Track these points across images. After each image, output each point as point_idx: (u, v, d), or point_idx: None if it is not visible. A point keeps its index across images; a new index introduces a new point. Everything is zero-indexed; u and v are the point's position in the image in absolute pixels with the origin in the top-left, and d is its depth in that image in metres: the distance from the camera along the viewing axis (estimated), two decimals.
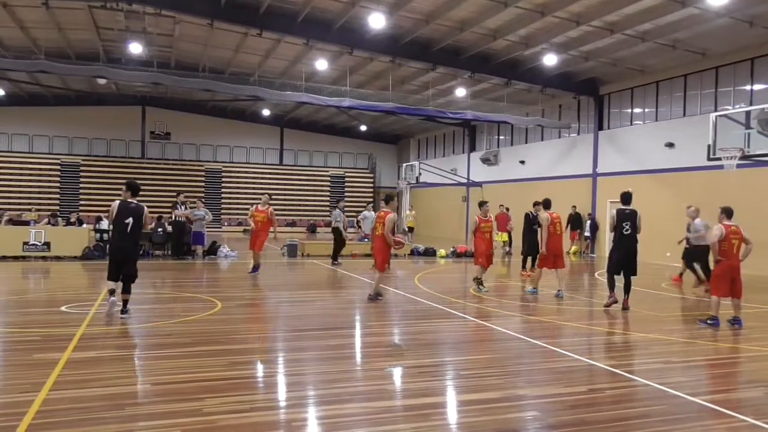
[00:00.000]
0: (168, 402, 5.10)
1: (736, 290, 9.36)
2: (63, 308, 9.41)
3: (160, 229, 18.51)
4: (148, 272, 14.92)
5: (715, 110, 18.22)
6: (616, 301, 10.68)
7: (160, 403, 5.07)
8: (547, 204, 12.50)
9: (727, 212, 9.88)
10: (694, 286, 13.87)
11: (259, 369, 6.46)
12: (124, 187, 9.27)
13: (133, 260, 9.06)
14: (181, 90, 30.13)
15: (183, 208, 18.43)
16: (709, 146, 15.43)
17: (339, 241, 18.19)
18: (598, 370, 6.63)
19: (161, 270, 15.50)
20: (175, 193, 19.96)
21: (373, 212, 24.47)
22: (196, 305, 10.10)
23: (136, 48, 23.27)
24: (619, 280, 10.66)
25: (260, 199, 15.49)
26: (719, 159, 15.19)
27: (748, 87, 18.81)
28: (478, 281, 12.59)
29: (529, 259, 15.41)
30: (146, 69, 22.52)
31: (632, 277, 10.66)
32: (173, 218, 18.38)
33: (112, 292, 8.86)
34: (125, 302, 8.85)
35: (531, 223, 15.34)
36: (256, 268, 14.54)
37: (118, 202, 9.00)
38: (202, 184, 38.10)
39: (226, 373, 6.04)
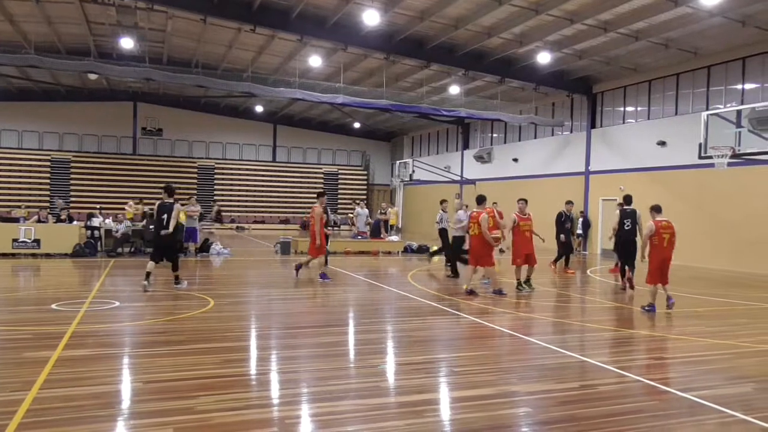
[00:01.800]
0: (160, 400, 5.09)
1: (666, 279, 10.29)
2: (53, 306, 9.36)
3: (151, 227, 18.41)
4: (140, 270, 14.85)
5: (707, 109, 18.35)
6: (624, 286, 12.59)
7: (153, 402, 5.06)
8: (479, 200, 12.15)
9: (656, 209, 10.53)
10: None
11: (253, 366, 6.46)
12: (162, 189, 11.98)
13: (172, 247, 11.91)
14: (174, 86, 29.97)
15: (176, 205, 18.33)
16: (700, 145, 15.52)
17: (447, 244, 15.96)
18: (589, 366, 6.66)
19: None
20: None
21: (366, 209, 24.58)
22: (189, 303, 10.07)
23: (127, 43, 23.14)
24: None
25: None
26: (710, 157, 15.29)
27: (739, 86, 18.92)
28: (519, 282, 12.26)
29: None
30: (138, 64, 22.39)
31: (633, 263, 12.50)
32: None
33: (147, 275, 11.24)
34: (176, 277, 11.66)
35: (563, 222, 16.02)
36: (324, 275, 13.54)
37: (158, 202, 11.72)
38: (195, 181, 37.99)
39: (219, 370, 6.03)
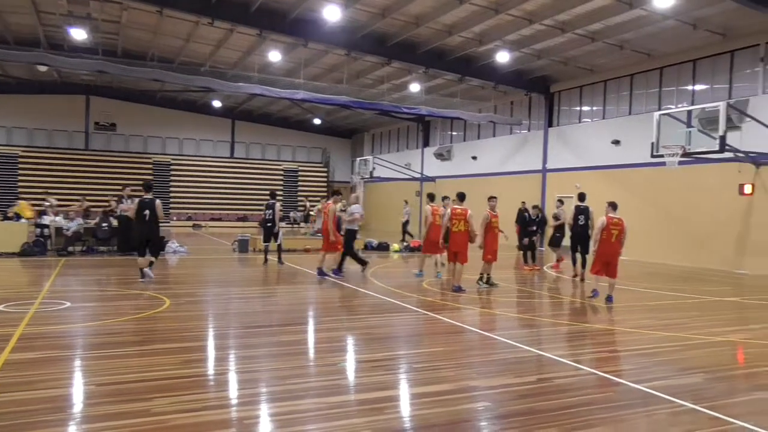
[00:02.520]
0: (115, 403, 4.95)
1: (611, 272, 10.74)
2: (1, 307, 9.02)
3: (105, 224, 17.94)
4: (92, 269, 14.50)
5: (659, 109, 18.86)
6: (576, 275, 13.92)
7: (107, 404, 4.91)
8: (462, 197, 12.39)
9: (613, 205, 11.07)
10: None
11: (211, 367, 6.35)
12: (141, 186, 12.43)
13: (156, 239, 12.43)
14: (128, 79, 29.26)
15: (129, 202, 17.90)
16: (652, 144, 15.97)
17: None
18: (546, 360, 6.78)
19: (107, 267, 15.04)
20: (120, 187, 19.32)
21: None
22: (144, 302, 9.85)
23: (79, 34, 22.45)
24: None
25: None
26: (662, 156, 15.74)
27: (690, 87, 19.52)
28: (487, 278, 12.50)
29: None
30: (91, 57, 21.77)
31: (586, 256, 13.56)
32: (118, 213, 17.82)
33: (142, 271, 11.95)
34: (151, 263, 12.09)
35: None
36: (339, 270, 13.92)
37: (138, 199, 12.23)
38: (150, 177, 37.13)
39: (175, 371, 5.91)
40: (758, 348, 7.72)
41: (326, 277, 13.29)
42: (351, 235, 14.34)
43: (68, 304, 9.41)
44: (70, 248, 17.59)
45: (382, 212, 37.48)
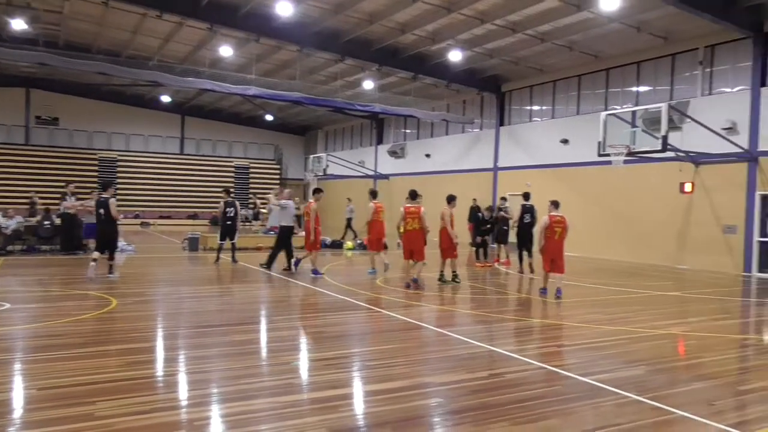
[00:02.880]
0: (56, 407, 4.77)
1: (557, 268, 11.12)
2: None
3: (47, 222, 17.31)
4: (34, 269, 13.97)
5: (606, 109, 19.39)
6: (522, 271, 14.62)
7: (48, 409, 4.73)
8: (414, 195, 12.68)
9: (555, 204, 11.47)
10: None
11: (159, 368, 6.20)
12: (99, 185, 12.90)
13: (112, 238, 12.48)
14: (72, 72, 28.20)
15: (73, 199, 17.32)
16: (599, 143, 16.40)
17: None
18: (497, 355, 6.89)
19: (49, 266, 14.51)
20: (64, 183, 18.65)
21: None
22: (89, 303, 9.55)
23: (18, 24, 21.52)
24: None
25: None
26: (608, 155, 16.18)
27: (634, 88, 20.14)
28: (443, 275, 12.76)
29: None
30: (31, 48, 20.92)
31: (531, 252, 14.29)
32: (62, 210, 17.21)
33: (95, 260, 12.03)
34: (111, 267, 12.34)
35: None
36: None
37: (96, 198, 12.57)
38: (95, 173, 36.00)
39: (121, 373, 5.74)
40: (697, 340, 8.04)
41: (321, 275, 13.32)
42: (287, 231, 14.55)
43: (7, 305, 9.02)
44: (9, 247, 16.89)
45: (336, 210, 37.34)
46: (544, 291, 11.33)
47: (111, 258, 12.41)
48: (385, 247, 14.03)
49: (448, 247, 12.60)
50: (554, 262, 11.11)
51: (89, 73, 23.65)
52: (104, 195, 12.25)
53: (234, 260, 15.65)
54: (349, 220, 25.38)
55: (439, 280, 12.71)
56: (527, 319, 9.44)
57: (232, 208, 15.78)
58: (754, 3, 15.55)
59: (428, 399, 5.32)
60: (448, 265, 12.82)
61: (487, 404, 5.10)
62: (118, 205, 12.66)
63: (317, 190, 14.23)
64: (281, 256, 14.46)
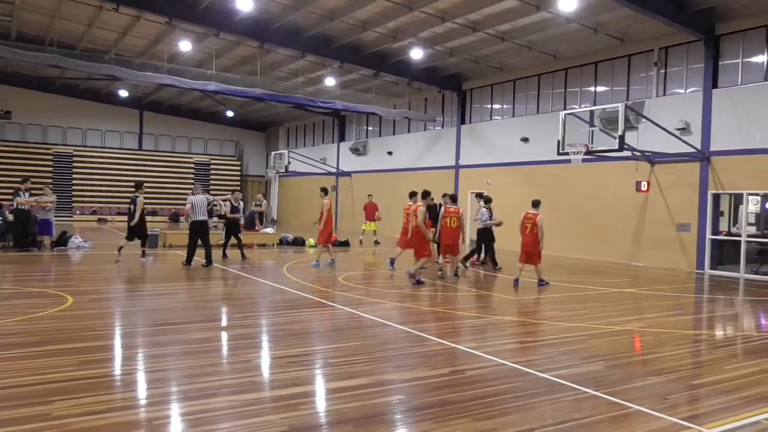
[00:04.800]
0: (11, 408, 4.63)
1: (532, 260, 12.51)
2: None
3: None
4: None
5: (564, 109, 19.75)
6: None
7: (4, 410, 4.59)
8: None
9: (534, 203, 12.95)
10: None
11: (117, 367, 6.08)
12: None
13: (141, 229, 15.15)
14: (25, 65, 27.38)
15: (27, 195, 16.79)
16: (558, 142, 16.71)
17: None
18: (459, 352, 6.96)
19: (1, 263, 14.05)
20: (21, 179, 18.01)
21: (241, 201, 23.82)
22: (44, 301, 9.28)
23: None
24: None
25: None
26: (567, 154, 16.49)
27: (592, 88, 20.56)
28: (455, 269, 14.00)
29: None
30: None
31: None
32: (15, 206, 16.69)
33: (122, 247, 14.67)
34: (143, 252, 15.28)
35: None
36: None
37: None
38: (50, 169, 34.99)
39: (78, 372, 5.61)
40: (652, 336, 8.28)
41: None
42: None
43: None
44: None
45: (298, 207, 37.16)
46: (516, 282, 12.39)
47: (143, 244, 15.22)
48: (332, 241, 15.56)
49: (421, 245, 12.83)
50: (528, 255, 12.45)
51: (43, 65, 23.00)
52: (136, 193, 14.70)
53: (243, 257, 16.09)
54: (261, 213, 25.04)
55: (455, 275, 13.78)
56: (488, 315, 9.57)
57: (238, 204, 16.56)
58: (705, 6, 16.05)
59: (390, 396, 5.34)
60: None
61: (449, 401, 5.15)
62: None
63: (325, 190, 15.63)
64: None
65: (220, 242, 16.65)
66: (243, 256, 16.04)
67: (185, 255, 14.57)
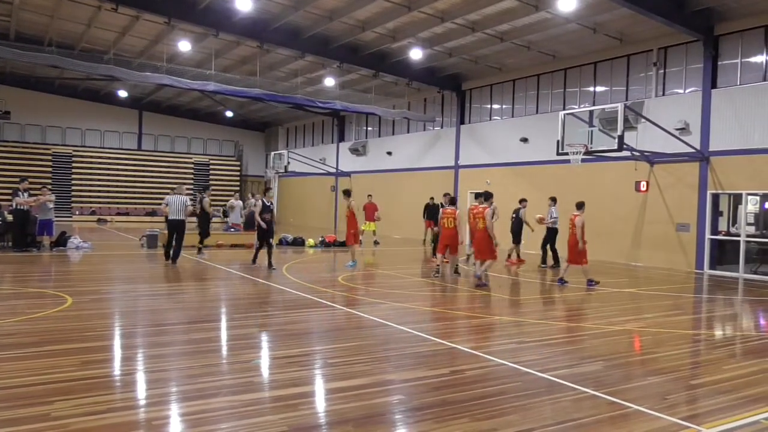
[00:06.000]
0: (10, 408, 4.64)
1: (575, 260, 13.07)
2: None
3: None
4: None
5: (564, 109, 19.74)
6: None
7: (3, 410, 4.59)
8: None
9: (578, 205, 13.45)
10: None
11: (116, 367, 6.08)
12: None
13: (203, 229, 16.90)
14: (24, 65, 27.35)
15: (26, 195, 16.79)
16: (558, 142, 16.72)
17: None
18: (459, 352, 6.96)
19: (1, 264, 14.04)
20: (19, 179, 18.02)
21: (240, 201, 23.89)
22: (43, 301, 9.28)
23: None
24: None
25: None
26: (566, 154, 16.50)
27: (591, 88, 20.56)
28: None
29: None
30: None
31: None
32: (14, 206, 16.68)
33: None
34: (199, 249, 16.30)
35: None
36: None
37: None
38: (50, 169, 34.98)
39: (78, 373, 5.61)
40: (651, 336, 8.29)
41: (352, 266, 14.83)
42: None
43: None
44: None
45: (299, 207, 37.17)
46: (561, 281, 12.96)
47: (200, 242, 16.46)
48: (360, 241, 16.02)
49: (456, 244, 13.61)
50: (571, 254, 13.05)
51: (42, 66, 22.98)
52: (203, 195, 16.30)
53: (271, 266, 14.30)
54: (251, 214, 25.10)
55: (455, 272, 14.18)
56: (488, 315, 9.57)
57: (269, 209, 14.69)
58: (704, 6, 16.06)
59: (390, 396, 5.34)
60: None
61: (448, 401, 5.15)
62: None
63: (346, 192, 15.77)
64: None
65: (251, 245, 16.12)
66: (270, 264, 14.28)
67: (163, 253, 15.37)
